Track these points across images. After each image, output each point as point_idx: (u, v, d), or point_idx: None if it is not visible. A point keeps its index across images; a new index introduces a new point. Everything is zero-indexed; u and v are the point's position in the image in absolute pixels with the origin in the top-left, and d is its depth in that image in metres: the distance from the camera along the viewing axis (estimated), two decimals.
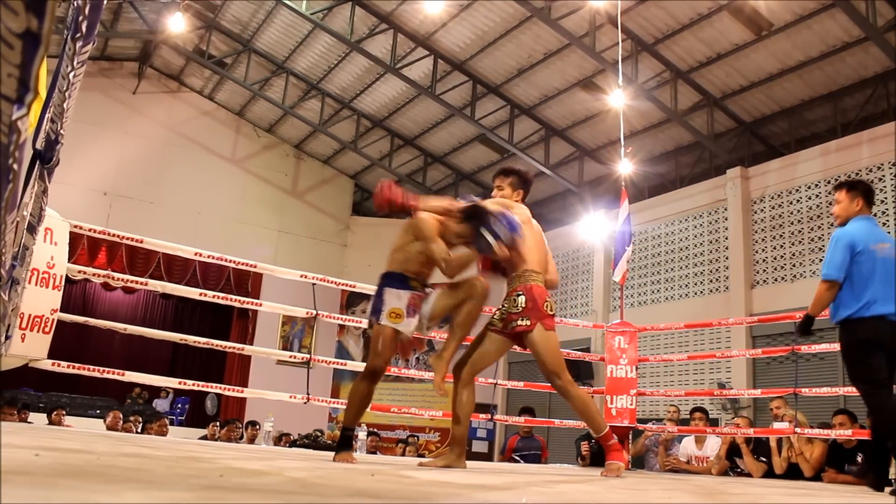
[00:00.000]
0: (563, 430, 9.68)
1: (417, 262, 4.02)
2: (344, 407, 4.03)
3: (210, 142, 16.63)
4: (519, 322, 3.94)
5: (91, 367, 4.87)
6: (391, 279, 4.04)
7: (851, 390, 5.71)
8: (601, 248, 13.76)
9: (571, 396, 3.95)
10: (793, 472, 6.30)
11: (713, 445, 6.95)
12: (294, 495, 1.60)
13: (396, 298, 3.94)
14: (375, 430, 10.44)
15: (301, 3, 12.53)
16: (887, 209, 10.05)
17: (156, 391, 14.21)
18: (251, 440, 9.09)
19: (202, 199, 16.01)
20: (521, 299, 3.94)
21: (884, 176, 10.17)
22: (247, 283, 15.53)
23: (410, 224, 4.03)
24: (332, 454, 3.86)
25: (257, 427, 9.22)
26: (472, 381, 4.08)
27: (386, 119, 15.67)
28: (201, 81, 16.55)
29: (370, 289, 6.33)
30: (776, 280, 11.14)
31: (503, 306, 4.06)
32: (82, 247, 13.51)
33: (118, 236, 5.07)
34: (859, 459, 5.92)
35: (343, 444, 3.82)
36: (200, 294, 5.69)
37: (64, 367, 4.69)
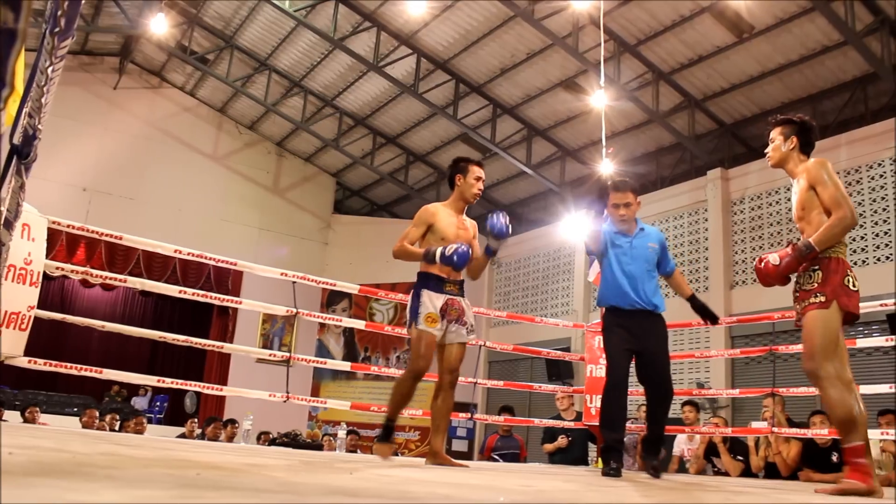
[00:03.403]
0: (543, 430, 9.68)
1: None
2: (324, 406, 4.09)
3: (191, 138, 16.54)
4: (809, 300, 3.42)
5: (68, 364, 4.82)
6: (427, 280, 4.18)
7: None
8: (582, 248, 13.79)
9: (822, 391, 3.33)
10: (770, 472, 6.36)
11: (696, 439, 7.03)
12: (271, 493, 1.60)
13: (433, 301, 4.11)
14: (355, 428, 10.42)
15: (284, 0, 12.48)
16: (864, 212, 10.15)
17: (134, 389, 14.12)
18: (230, 438, 9.05)
19: (183, 196, 15.92)
20: (818, 274, 3.43)
21: (861, 178, 10.27)
22: (227, 280, 15.45)
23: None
24: (311, 452, 3.87)
25: (236, 425, 9.18)
26: (838, 378, 3.34)
27: (368, 117, 15.64)
28: (183, 77, 16.45)
29: (350, 287, 6.33)
30: (755, 281, 11.14)
31: (796, 282, 3.57)
32: (61, 243, 13.38)
33: (97, 233, 5.02)
34: (834, 459, 5.99)
35: (384, 435, 4.11)
36: (180, 291, 5.65)
37: (41, 364, 4.65)
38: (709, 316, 4.62)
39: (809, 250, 3.41)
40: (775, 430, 5.83)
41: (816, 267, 3.44)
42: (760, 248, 11.31)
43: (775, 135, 3.90)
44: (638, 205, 4.60)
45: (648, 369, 4.48)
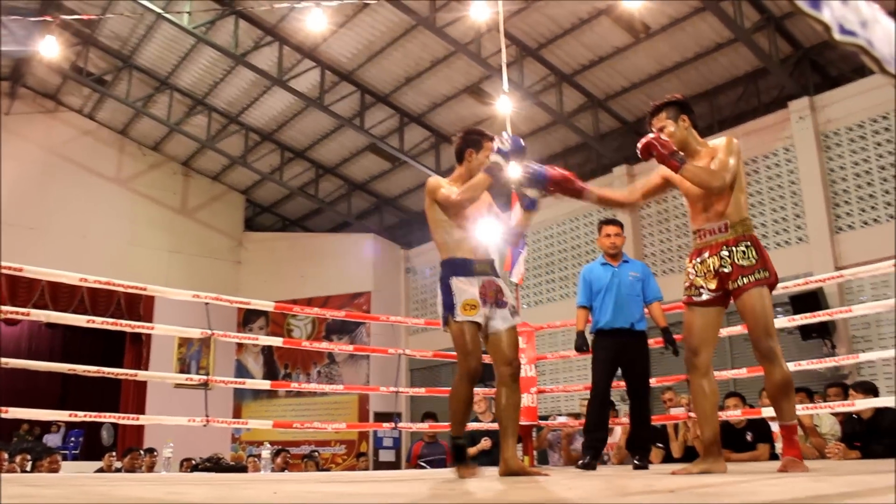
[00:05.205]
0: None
1: (459, 236, 3.84)
2: (246, 427, 3.96)
3: (92, 162, 16.03)
4: (755, 276, 3.41)
5: None
6: (453, 266, 3.76)
7: (740, 373, 6.01)
8: (494, 249, 13.91)
9: (776, 367, 3.37)
10: (690, 455, 6.54)
11: (618, 432, 7.20)
12: None
13: (467, 287, 3.67)
14: (283, 447, 10.26)
15: (183, 16, 12.20)
16: (763, 199, 10.58)
17: (46, 426, 13.59)
18: (150, 468, 8.81)
19: (87, 223, 15.40)
20: (753, 251, 3.45)
21: (758, 168, 10.70)
22: (138, 306, 15.02)
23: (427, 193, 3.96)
24: (235, 475, 3.78)
25: (155, 454, 8.95)
26: (710, 370, 3.57)
27: (275, 132, 15.46)
28: (80, 100, 15.94)
29: (265, 305, 6.26)
30: (665, 272, 11.54)
31: (721, 259, 3.51)
32: None
33: None
34: (749, 438, 6.22)
35: (459, 457, 3.56)
36: (88, 321, 5.47)
37: None
38: (673, 347, 5.35)
39: (681, 161, 3.41)
40: (692, 414, 6.01)
41: (748, 243, 3.47)
42: (668, 240, 11.67)
43: (661, 121, 3.64)
44: (624, 237, 5.60)
45: (628, 379, 5.30)
